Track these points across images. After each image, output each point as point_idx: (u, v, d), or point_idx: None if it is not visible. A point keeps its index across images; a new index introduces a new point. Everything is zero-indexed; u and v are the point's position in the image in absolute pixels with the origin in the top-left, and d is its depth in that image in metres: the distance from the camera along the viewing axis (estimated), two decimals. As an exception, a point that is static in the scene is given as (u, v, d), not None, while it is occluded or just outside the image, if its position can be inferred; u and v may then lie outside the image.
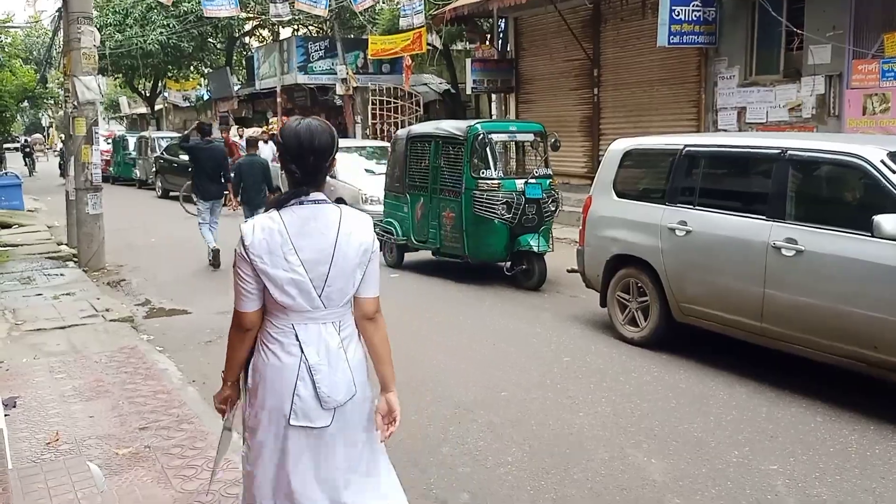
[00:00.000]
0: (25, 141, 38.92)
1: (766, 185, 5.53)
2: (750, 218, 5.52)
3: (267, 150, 16.63)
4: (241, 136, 20.30)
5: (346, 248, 2.51)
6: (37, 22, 35.28)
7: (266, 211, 2.58)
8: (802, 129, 10.90)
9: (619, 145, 6.93)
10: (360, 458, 2.66)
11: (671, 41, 11.79)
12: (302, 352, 2.51)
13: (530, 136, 9.51)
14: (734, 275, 5.60)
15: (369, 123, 22.28)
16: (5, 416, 4.53)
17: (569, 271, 7.79)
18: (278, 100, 26.00)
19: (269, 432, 2.56)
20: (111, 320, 7.33)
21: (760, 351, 5.78)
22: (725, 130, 11.97)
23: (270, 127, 23.88)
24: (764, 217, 5.41)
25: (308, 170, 2.52)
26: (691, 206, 6.00)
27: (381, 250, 10.24)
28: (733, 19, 12.05)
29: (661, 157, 6.53)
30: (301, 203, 2.52)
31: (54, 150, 33.99)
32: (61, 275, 9.66)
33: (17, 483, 3.65)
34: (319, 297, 2.51)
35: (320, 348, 2.53)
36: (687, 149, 6.19)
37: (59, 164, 31.73)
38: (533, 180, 8.75)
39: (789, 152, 5.38)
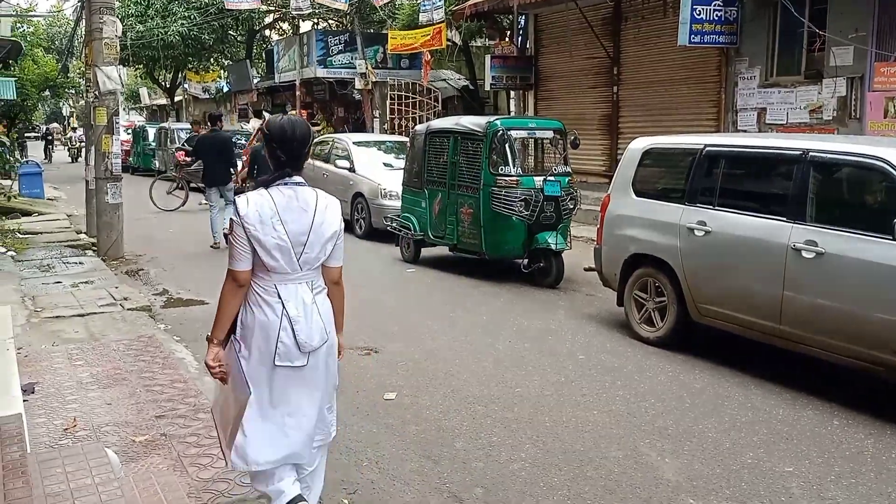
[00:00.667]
0: (47, 129, 39.37)
1: (787, 186, 5.48)
2: (770, 219, 5.48)
3: None
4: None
5: (322, 223, 3.05)
6: (59, 11, 35.50)
7: (255, 189, 3.09)
8: (823, 131, 10.81)
9: (639, 144, 6.90)
10: (327, 387, 3.25)
11: (692, 40, 11.73)
12: (283, 306, 3.04)
13: (550, 134, 9.49)
14: (753, 276, 5.57)
15: (387, 118, 22.29)
16: (24, 401, 4.59)
17: (586, 269, 7.77)
18: (297, 93, 26.05)
19: (259, 371, 3.06)
20: (129, 309, 7.40)
21: (777, 352, 5.75)
22: (745, 131, 11.89)
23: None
24: (784, 219, 5.37)
25: (292, 154, 3.06)
26: (711, 207, 5.97)
27: (398, 245, 10.40)
28: (755, 19, 11.97)
29: (681, 156, 6.49)
30: (286, 184, 3.05)
31: (70, 141, 34.09)
32: (80, 263, 9.75)
33: (36, 467, 3.69)
34: (298, 261, 3.03)
35: (298, 303, 3.06)
36: (707, 149, 6.16)
37: (72, 154, 31.87)
38: (552, 178, 8.72)
39: (811, 154, 5.34)
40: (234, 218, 3.00)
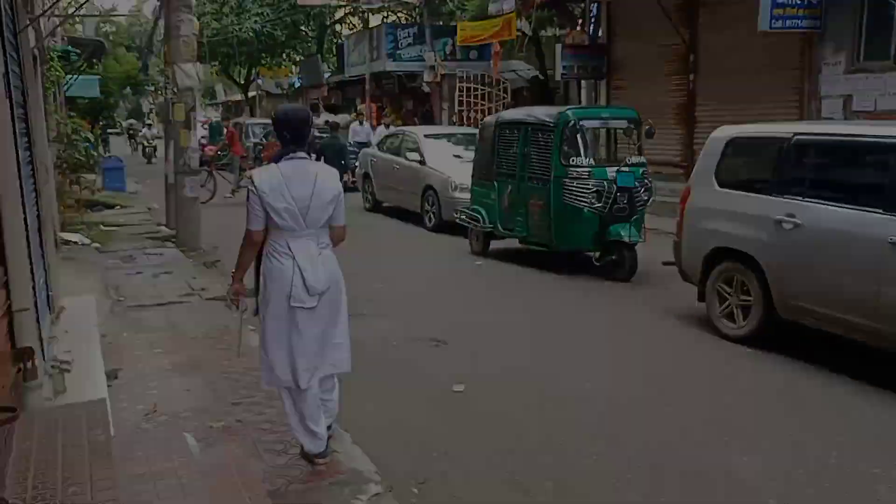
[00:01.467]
0: (130, 125, 40.78)
1: (884, 176, 5.20)
2: (865, 211, 5.22)
3: (360, 130, 19.64)
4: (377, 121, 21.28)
5: (321, 190, 3.75)
6: (139, 11, 36.79)
7: (268, 163, 3.83)
8: (915, 118, 10.28)
9: (723, 133, 6.66)
10: (333, 318, 3.92)
11: (773, 25, 11.28)
12: (293, 257, 3.74)
13: (623, 123, 9.27)
14: (846, 271, 5.31)
15: (456, 111, 22.25)
16: (108, 386, 4.74)
17: (664, 264, 7.54)
18: (367, 87, 26.28)
19: (279, 310, 3.80)
20: (207, 299, 7.58)
21: (863, 350, 5.49)
22: (831, 119, 11.40)
23: (360, 111, 24.28)
24: (881, 211, 5.10)
25: (294, 133, 3.80)
26: (800, 198, 5.70)
27: (467, 238, 10.37)
28: (840, 2, 11.43)
29: (769, 145, 6.23)
30: (291, 159, 3.78)
31: (144, 139, 34.68)
32: (160, 254, 10.05)
33: (120, 450, 3.80)
34: (304, 220, 3.72)
35: (305, 255, 3.75)
36: (797, 137, 5.90)
37: (147, 154, 32.56)
38: (625, 168, 8.54)
39: (909, 142, 5.06)
40: (250, 187, 3.71)
